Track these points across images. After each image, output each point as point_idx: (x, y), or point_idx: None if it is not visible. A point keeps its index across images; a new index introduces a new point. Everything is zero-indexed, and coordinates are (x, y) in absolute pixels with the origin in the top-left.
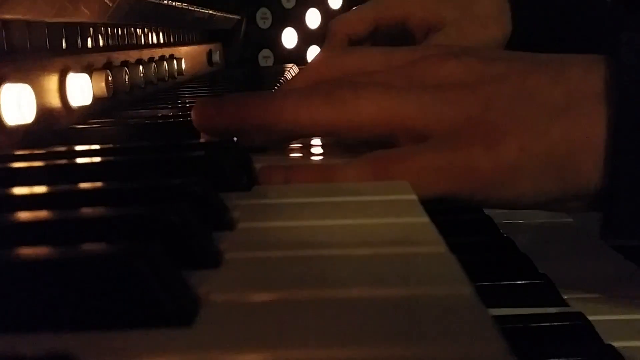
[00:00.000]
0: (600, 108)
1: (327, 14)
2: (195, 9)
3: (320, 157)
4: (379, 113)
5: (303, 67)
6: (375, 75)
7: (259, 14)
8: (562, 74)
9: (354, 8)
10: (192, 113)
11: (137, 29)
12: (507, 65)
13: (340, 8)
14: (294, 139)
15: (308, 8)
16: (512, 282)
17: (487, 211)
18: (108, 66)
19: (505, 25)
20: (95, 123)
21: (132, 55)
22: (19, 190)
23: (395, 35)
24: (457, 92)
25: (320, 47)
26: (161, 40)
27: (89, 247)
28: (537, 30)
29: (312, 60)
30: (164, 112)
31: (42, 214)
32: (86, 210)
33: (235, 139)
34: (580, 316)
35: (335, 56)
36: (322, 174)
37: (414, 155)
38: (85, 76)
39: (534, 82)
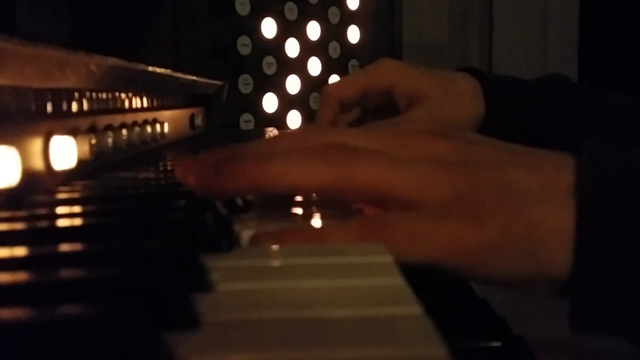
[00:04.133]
0: (572, 201)
1: (307, 80)
2: (179, 76)
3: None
4: (374, 179)
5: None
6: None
7: (241, 80)
8: (538, 166)
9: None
10: (190, 178)
11: (122, 94)
12: (489, 151)
13: (319, 75)
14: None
15: (288, 74)
16: (487, 345)
17: None
18: (92, 130)
19: (479, 106)
20: (78, 185)
21: (116, 119)
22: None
23: (382, 102)
24: (448, 168)
25: (300, 112)
26: (145, 105)
27: (68, 309)
28: (507, 114)
29: (296, 131)
30: (146, 174)
31: (22, 275)
32: (66, 272)
33: (216, 201)
34: None
35: (319, 131)
36: (312, 237)
37: (404, 220)
38: (70, 139)
39: (512, 170)
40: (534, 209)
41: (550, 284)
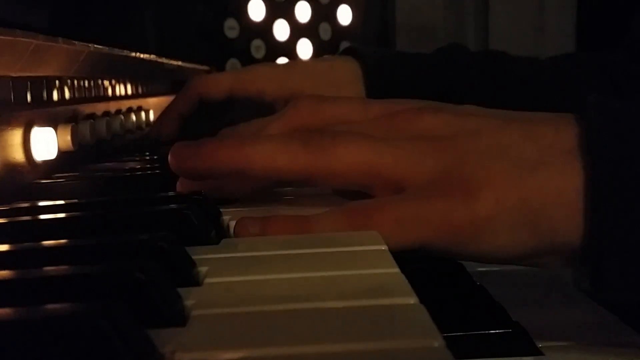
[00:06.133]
0: (573, 164)
1: None
2: (164, 61)
3: (294, 207)
4: (357, 162)
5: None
6: (354, 125)
7: (228, 64)
8: (534, 130)
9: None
10: (170, 156)
11: (104, 81)
12: (481, 120)
13: (309, 58)
14: (269, 185)
15: (278, 58)
16: (485, 332)
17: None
18: (74, 119)
19: (359, 91)
20: (60, 178)
21: (99, 108)
22: None
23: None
24: (434, 144)
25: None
26: (129, 92)
27: (51, 306)
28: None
29: (288, 107)
30: (131, 164)
31: (4, 272)
32: (49, 269)
33: (203, 191)
34: None
35: (314, 103)
36: (298, 224)
37: (391, 204)
38: (50, 130)
39: (507, 138)
40: (531, 176)
41: (557, 253)
